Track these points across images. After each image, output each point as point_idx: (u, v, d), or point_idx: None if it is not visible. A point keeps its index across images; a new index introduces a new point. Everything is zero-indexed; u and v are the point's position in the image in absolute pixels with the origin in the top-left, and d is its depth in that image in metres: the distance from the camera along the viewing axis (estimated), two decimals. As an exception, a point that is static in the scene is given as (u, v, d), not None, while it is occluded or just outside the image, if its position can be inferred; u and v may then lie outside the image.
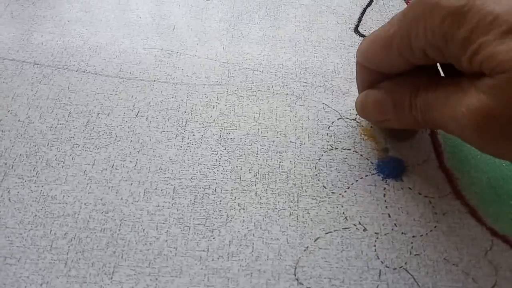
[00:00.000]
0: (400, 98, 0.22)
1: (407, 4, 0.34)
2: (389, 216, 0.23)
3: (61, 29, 0.30)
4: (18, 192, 0.23)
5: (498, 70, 0.16)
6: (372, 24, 0.32)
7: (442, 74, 0.22)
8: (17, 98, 0.26)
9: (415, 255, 0.22)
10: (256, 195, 0.24)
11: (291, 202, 0.23)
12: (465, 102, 0.17)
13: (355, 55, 0.24)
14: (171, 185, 0.24)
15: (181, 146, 0.25)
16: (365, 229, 0.23)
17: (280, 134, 0.26)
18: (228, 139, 0.26)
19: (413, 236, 0.23)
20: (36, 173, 0.23)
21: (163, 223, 0.22)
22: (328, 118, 0.27)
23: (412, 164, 0.25)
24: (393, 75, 0.23)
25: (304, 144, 0.26)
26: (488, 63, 0.16)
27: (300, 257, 0.22)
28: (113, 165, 0.24)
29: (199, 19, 0.32)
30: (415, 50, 0.19)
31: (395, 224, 0.23)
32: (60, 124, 0.25)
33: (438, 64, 0.23)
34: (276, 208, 0.23)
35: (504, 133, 0.17)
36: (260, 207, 0.23)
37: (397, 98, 0.22)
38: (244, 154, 0.25)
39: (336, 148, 0.26)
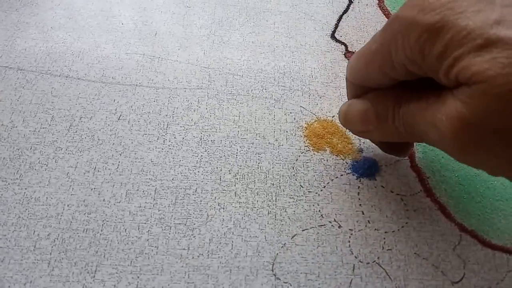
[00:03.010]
0: (384, 108, 0.22)
1: (382, 11, 0.35)
2: (363, 213, 0.24)
3: (44, 35, 0.31)
4: (1, 195, 0.23)
5: (474, 80, 0.16)
6: (348, 30, 0.34)
7: None
8: (0, 103, 0.27)
9: (387, 250, 0.23)
10: (235, 195, 0.24)
11: (270, 201, 0.24)
12: (444, 110, 0.18)
13: (345, 70, 0.24)
14: (153, 186, 0.24)
15: (162, 149, 0.26)
16: (340, 226, 0.24)
17: (259, 136, 0.27)
18: (208, 141, 0.26)
19: (386, 232, 0.24)
20: (20, 176, 0.24)
21: (145, 223, 0.23)
22: (305, 121, 0.28)
23: (385, 164, 0.26)
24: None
25: (282, 145, 0.27)
26: (464, 74, 0.16)
27: (277, 254, 0.22)
28: (95, 167, 0.25)
29: (180, 25, 0.33)
30: (396, 65, 0.20)
31: (368, 221, 0.24)
32: (43, 128, 0.26)
33: None
34: (255, 207, 0.24)
35: (480, 143, 0.17)
36: (240, 206, 0.24)
37: (381, 108, 0.22)
38: (224, 155, 0.26)
39: (312, 149, 0.27)
